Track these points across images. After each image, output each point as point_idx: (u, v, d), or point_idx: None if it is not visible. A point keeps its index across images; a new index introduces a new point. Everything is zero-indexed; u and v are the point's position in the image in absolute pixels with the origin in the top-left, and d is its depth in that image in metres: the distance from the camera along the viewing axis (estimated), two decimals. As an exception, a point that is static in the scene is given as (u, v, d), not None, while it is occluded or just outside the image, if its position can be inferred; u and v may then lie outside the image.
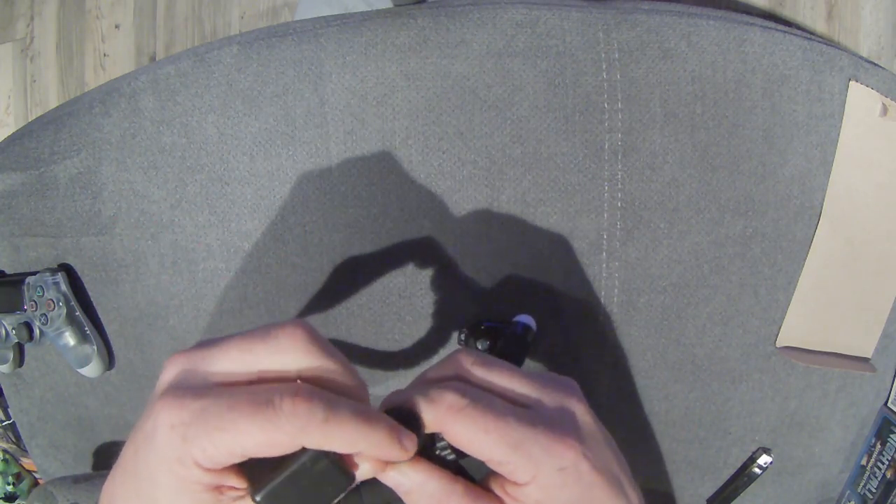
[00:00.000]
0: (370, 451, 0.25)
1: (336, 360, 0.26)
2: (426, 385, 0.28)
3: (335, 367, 0.26)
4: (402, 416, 0.27)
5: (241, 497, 0.25)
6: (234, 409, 0.23)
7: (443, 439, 0.28)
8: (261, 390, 0.24)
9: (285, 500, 0.25)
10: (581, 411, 0.29)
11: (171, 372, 0.25)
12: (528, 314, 0.46)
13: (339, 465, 0.25)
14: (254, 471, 0.25)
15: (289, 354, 0.24)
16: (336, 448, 0.24)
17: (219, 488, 0.25)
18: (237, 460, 0.24)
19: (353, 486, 0.26)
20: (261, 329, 0.25)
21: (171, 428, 0.23)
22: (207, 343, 0.25)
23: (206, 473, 0.24)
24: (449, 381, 0.29)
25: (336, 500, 0.25)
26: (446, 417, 0.26)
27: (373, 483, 0.28)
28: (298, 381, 0.25)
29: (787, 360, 0.58)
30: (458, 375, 0.29)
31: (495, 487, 0.28)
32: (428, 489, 0.27)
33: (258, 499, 0.24)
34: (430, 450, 0.28)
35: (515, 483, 0.27)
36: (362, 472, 0.26)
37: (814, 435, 0.61)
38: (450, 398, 0.26)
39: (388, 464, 0.26)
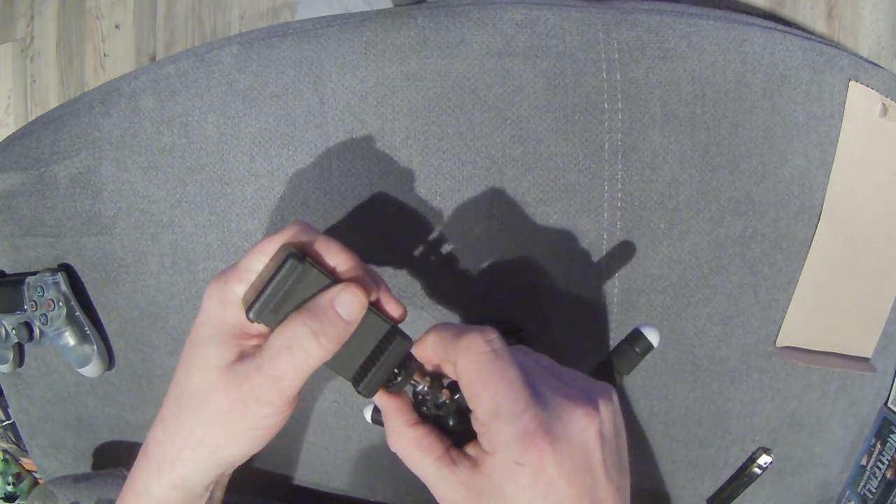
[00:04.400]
0: (344, 262, 0.32)
1: (327, 237, 0.32)
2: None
3: (326, 239, 0.32)
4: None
5: (259, 346, 0.31)
6: (252, 249, 0.32)
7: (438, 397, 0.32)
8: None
9: (274, 309, 0.30)
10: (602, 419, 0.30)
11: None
12: (652, 326, 0.39)
13: (316, 267, 0.31)
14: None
15: (288, 232, 0.32)
16: (320, 247, 0.32)
17: (245, 334, 0.32)
18: (258, 268, 0.32)
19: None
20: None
21: (212, 286, 0.32)
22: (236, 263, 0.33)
23: (240, 317, 0.31)
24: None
25: (315, 293, 0.30)
26: (462, 353, 0.29)
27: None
28: None
29: (787, 360, 0.58)
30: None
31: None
32: (387, 414, 0.33)
33: (251, 316, 0.30)
34: (420, 399, 0.33)
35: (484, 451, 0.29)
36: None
37: (814, 435, 0.61)
38: (478, 340, 0.29)
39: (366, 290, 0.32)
